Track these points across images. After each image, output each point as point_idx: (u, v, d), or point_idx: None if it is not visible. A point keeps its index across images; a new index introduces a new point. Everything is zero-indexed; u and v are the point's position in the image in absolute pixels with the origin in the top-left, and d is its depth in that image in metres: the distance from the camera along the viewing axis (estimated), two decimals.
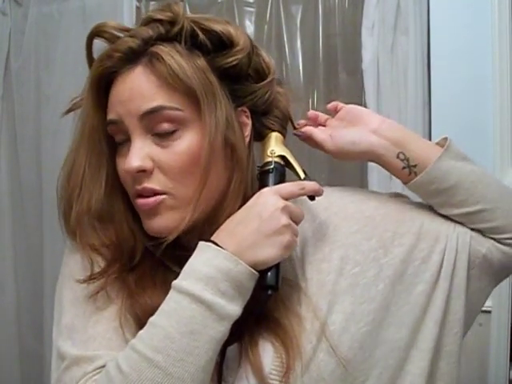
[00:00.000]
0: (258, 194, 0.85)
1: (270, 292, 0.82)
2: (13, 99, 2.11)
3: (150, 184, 0.85)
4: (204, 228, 0.88)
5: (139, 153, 0.85)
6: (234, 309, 0.78)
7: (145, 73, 0.85)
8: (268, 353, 0.85)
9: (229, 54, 0.88)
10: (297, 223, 0.85)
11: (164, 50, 0.85)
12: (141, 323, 0.81)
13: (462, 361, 0.95)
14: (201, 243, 0.81)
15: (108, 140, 0.91)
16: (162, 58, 0.84)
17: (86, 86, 0.91)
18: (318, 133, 1.01)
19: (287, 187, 0.86)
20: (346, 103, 1.02)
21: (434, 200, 0.98)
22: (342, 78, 1.94)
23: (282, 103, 0.99)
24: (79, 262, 0.89)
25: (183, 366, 0.74)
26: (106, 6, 1.96)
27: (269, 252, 0.81)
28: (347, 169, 1.93)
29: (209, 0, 2.06)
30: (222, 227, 0.83)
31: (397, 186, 1.60)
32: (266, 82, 0.94)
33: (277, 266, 0.83)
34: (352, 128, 0.98)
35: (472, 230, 0.97)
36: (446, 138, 0.97)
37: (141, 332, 0.77)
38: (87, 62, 0.95)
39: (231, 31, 0.88)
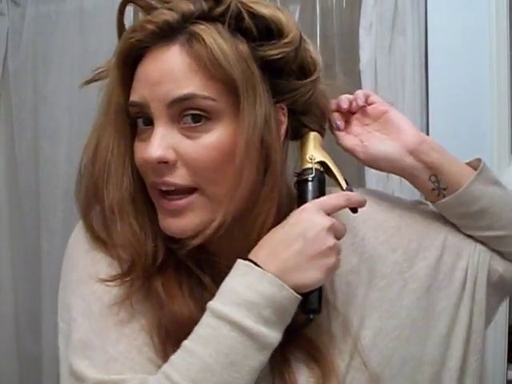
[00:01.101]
0: (300, 209, 0.79)
1: (312, 316, 0.78)
2: (10, 100, 2.10)
3: (173, 179, 0.78)
4: (234, 233, 0.81)
5: (162, 142, 0.76)
6: (276, 336, 0.73)
7: (181, 53, 0.76)
8: (302, 374, 0.81)
9: (276, 45, 0.79)
10: (339, 239, 0.79)
11: (206, 30, 0.76)
12: (169, 335, 0.77)
13: None
14: (240, 262, 0.75)
15: (130, 120, 0.83)
16: (203, 40, 0.75)
17: (112, 59, 0.83)
18: (347, 141, 0.94)
19: (331, 201, 0.80)
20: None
21: (459, 222, 0.94)
22: (340, 79, 1.94)
23: (322, 101, 0.91)
24: (101, 260, 0.82)
25: None
26: (104, 6, 1.94)
27: (312, 275, 0.75)
28: (345, 164, 1.92)
29: None
30: (262, 244, 0.77)
31: (394, 182, 1.62)
32: (310, 79, 0.85)
33: (319, 288, 0.79)
34: (387, 140, 0.92)
35: (492, 250, 0.95)
36: (479, 159, 0.94)
37: (174, 358, 0.72)
38: (117, 33, 0.87)
39: (282, 19, 0.80)
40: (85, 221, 0.85)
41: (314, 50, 0.89)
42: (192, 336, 0.72)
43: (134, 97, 0.79)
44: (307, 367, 0.82)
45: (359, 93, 0.96)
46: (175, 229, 0.80)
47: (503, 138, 1.62)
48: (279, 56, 0.80)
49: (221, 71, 0.75)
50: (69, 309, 0.81)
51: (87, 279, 0.81)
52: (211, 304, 0.73)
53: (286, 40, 0.80)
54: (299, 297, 0.75)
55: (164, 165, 0.77)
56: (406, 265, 0.90)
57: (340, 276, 0.88)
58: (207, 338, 0.71)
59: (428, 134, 1.72)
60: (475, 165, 0.94)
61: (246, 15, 0.78)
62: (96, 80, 0.88)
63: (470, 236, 0.95)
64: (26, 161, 2.09)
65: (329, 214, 0.79)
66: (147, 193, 0.83)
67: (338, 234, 0.78)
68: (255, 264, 0.74)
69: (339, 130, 0.95)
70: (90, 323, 0.78)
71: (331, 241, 0.76)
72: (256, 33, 0.79)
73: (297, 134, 0.89)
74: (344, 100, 0.96)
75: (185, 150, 0.77)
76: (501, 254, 0.96)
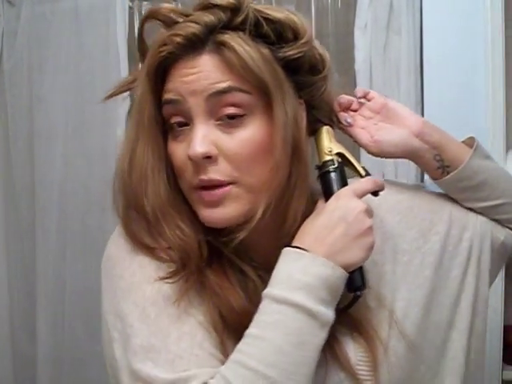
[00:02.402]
0: (335, 196, 0.86)
1: (359, 293, 0.85)
2: (5, 100, 2.10)
3: (216, 175, 0.82)
4: (268, 224, 0.85)
5: (204, 138, 0.82)
6: (332, 313, 0.79)
7: (212, 60, 0.82)
8: (349, 346, 0.88)
9: (294, 46, 0.86)
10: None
11: (232, 37, 0.82)
12: (227, 327, 0.81)
13: None
14: (289, 249, 0.81)
15: (161, 128, 0.87)
16: (233, 48, 0.81)
17: (141, 73, 0.87)
18: (361, 136, 1.00)
19: (362, 186, 0.88)
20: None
21: (461, 195, 1.03)
22: (335, 78, 1.93)
23: (330, 97, 0.98)
24: (148, 264, 0.85)
25: (296, 378, 0.74)
26: (99, 6, 1.94)
27: (357, 254, 0.82)
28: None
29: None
30: (305, 231, 0.84)
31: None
32: (323, 75, 0.92)
33: (361, 267, 0.86)
34: (394, 129, 1.00)
35: (491, 219, 1.05)
36: (472, 138, 1.05)
37: (243, 347, 0.76)
38: (137, 48, 0.92)
39: (297, 21, 0.86)
40: (127, 229, 0.88)
41: (321, 47, 0.93)
42: (256, 324, 0.77)
43: (169, 95, 0.84)
44: (353, 340, 0.89)
45: (358, 89, 1.05)
46: (215, 218, 0.84)
47: (498, 137, 1.62)
48: (298, 55, 0.86)
49: (252, 75, 0.82)
50: (122, 317, 0.82)
51: (138, 285, 0.83)
52: (270, 291, 0.78)
53: (303, 40, 0.86)
54: (348, 275, 0.82)
55: (207, 160, 0.82)
56: (422, 240, 0.99)
57: None
58: (274, 323, 0.76)
59: None
60: (470, 142, 1.05)
61: (263, 22, 0.84)
62: (116, 94, 0.93)
63: (471, 209, 1.04)
64: (22, 161, 2.10)
65: (360, 198, 0.87)
66: (183, 195, 0.88)
67: (370, 214, 0.86)
68: (303, 250, 0.80)
69: (350, 126, 1.01)
70: (148, 327, 0.80)
71: (369, 221, 0.84)
72: (274, 36, 0.85)
73: (312, 129, 0.95)
74: (344, 97, 1.02)
75: (225, 144, 0.83)
76: (499, 222, 1.05)
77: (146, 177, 0.86)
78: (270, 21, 0.84)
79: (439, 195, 1.06)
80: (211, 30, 0.83)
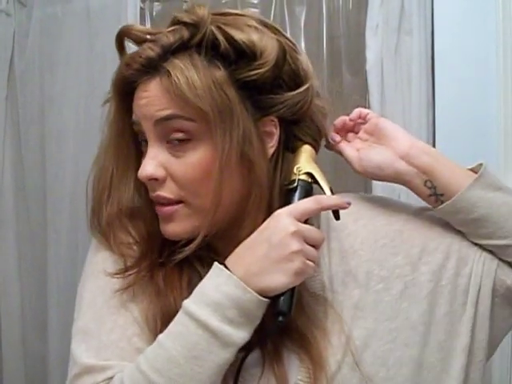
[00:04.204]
0: (271, 215, 0.82)
1: (280, 319, 0.79)
2: (17, 101, 2.11)
3: (163, 192, 0.86)
4: (232, 234, 0.86)
5: (153, 161, 0.85)
6: (241, 336, 0.77)
7: (160, 86, 0.84)
8: (293, 365, 0.85)
9: (250, 67, 0.84)
10: (316, 247, 0.81)
11: (177, 65, 0.83)
12: (163, 323, 0.82)
13: None
14: (216, 265, 0.80)
15: (136, 141, 0.91)
16: (175, 76, 0.82)
17: (110, 90, 0.91)
18: (348, 151, 0.98)
19: (301, 205, 0.82)
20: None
21: (461, 228, 0.95)
22: (346, 79, 1.93)
23: (318, 116, 0.94)
24: (108, 258, 0.90)
25: None
26: (110, 7, 1.95)
27: (277, 279, 0.77)
28: (350, 171, 1.93)
29: (212, 0, 2.06)
30: (236, 249, 0.82)
31: (401, 190, 1.60)
32: (297, 91, 0.89)
33: (292, 291, 0.80)
34: (379, 149, 0.95)
35: (500, 259, 0.94)
36: (481, 164, 0.94)
37: (148, 349, 0.77)
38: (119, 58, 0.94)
39: (255, 41, 0.84)
40: (91, 226, 0.95)
41: (307, 61, 0.92)
42: (166, 330, 0.78)
43: (133, 116, 0.88)
44: (299, 360, 0.86)
45: (354, 111, 1.02)
46: (168, 232, 0.88)
47: (510, 138, 1.61)
48: (254, 77, 0.84)
49: (191, 103, 0.82)
50: (79, 300, 0.91)
51: (96, 274, 0.90)
52: (185, 302, 0.78)
53: (259, 61, 0.84)
54: (265, 300, 0.78)
55: (155, 181, 0.86)
56: (408, 269, 0.92)
57: (338, 276, 0.92)
58: (176, 333, 0.77)
59: (434, 133, 1.73)
60: (477, 170, 0.93)
61: (222, 41, 0.83)
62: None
63: (477, 243, 0.95)
64: (33, 162, 2.10)
65: (305, 221, 0.82)
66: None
67: (309, 239, 0.80)
68: (226, 267, 0.79)
69: (335, 142, 1.00)
70: (92, 313, 0.87)
71: (296, 246, 0.78)
72: (233, 56, 0.84)
73: (292, 146, 0.93)
74: (339, 119, 1.02)
75: (173, 167, 0.85)
76: (509, 264, 0.94)
77: (111, 186, 0.91)
78: (229, 40, 0.84)
79: (444, 222, 0.97)
80: (166, 52, 0.84)
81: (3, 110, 2.12)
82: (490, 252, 0.94)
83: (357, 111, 1.01)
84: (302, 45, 1.98)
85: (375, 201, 1.01)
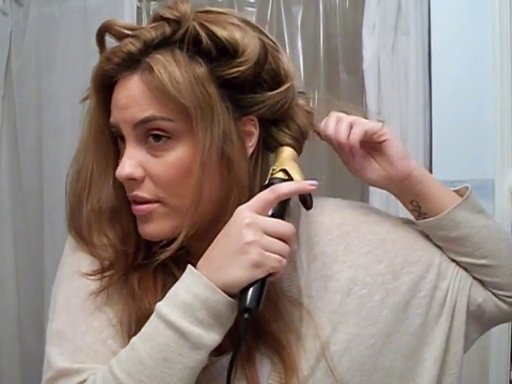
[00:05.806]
0: (235, 211, 0.79)
1: (246, 316, 0.75)
2: (14, 99, 2.11)
3: (141, 192, 0.84)
4: (209, 236, 0.82)
5: (131, 161, 0.83)
6: (212, 338, 0.75)
7: (140, 82, 0.82)
8: (265, 368, 0.85)
9: (231, 65, 0.82)
10: (285, 241, 0.78)
11: (159, 60, 0.81)
12: (137, 326, 0.80)
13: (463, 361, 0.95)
14: (188, 266, 0.78)
15: (115, 138, 0.88)
16: (157, 71, 0.80)
17: (89, 85, 0.89)
18: (343, 157, 0.95)
19: (259, 197, 0.79)
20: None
21: (440, 243, 0.96)
22: (343, 78, 1.94)
23: (299, 117, 0.91)
24: (84, 259, 0.88)
25: None
26: (107, 6, 1.96)
27: (235, 272, 0.75)
28: (347, 171, 1.93)
29: (209, 0, 2.06)
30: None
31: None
32: (277, 91, 0.86)
33: (261, 287, 0.76)
34: (374, 167, 0.95)
35: (473, 277, 0.96)
36: (467, 187, 0.95)
37: (121, 352, 0.76)
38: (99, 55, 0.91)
39: (237, 39, 0.82)
40: (69, 226, 0.92)
41: (288, 61, 0.90)
42: (139, 333, 0.76)
43: (111, 118, 0.85)
44: (272, 364, 0.85)
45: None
46: (146, 232, 0.86)
47: (506, 137, 1.62)
48: (235, 75, 0.83)
49: (172, 99, 0.80)
50: (53, 301, 0.88)
51: (71, 275, 0.88)
52: (158, 304, 0.76)
53: (241, 59, 0.82)
54: (233, 300, 0.75)
55: (133, 181, 0.84)
56: (390, 276, 0.92)
57: (318, 280, 0.91)
58: (147, 336, 0.75)
59: (431, 133, 1.73)
60: (463, 192, 0.95)
61: (204, 38, 0.81)
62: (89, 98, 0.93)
63: (453, 260, 0.96)
64: (29, 160, 2.10)
65: (282, 217, 0.80)
66: None
67: (270, 231, 0.77)
68: (196, 268, 0.77)
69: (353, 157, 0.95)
70: (66, 315, 0.85)
71: (250, 235, 0.75)
72: (215, 53, 0.82)
73: (271, 146, 0.90)
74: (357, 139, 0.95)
75: (151, 167, 0.83)
76: (481, 283, 0.96)
77: (90, 186, 0.88)
78: (211, 37, 0.82)
79: (427, 236, 0.98)
80: (148, 47, 0.82)
81: (0, 108, 2.12)
82: (465, 269, 0.96)
83: (359, 130, 0.93)
84: (299, 43, 1.99)
85: (360, 209, 1.00)
